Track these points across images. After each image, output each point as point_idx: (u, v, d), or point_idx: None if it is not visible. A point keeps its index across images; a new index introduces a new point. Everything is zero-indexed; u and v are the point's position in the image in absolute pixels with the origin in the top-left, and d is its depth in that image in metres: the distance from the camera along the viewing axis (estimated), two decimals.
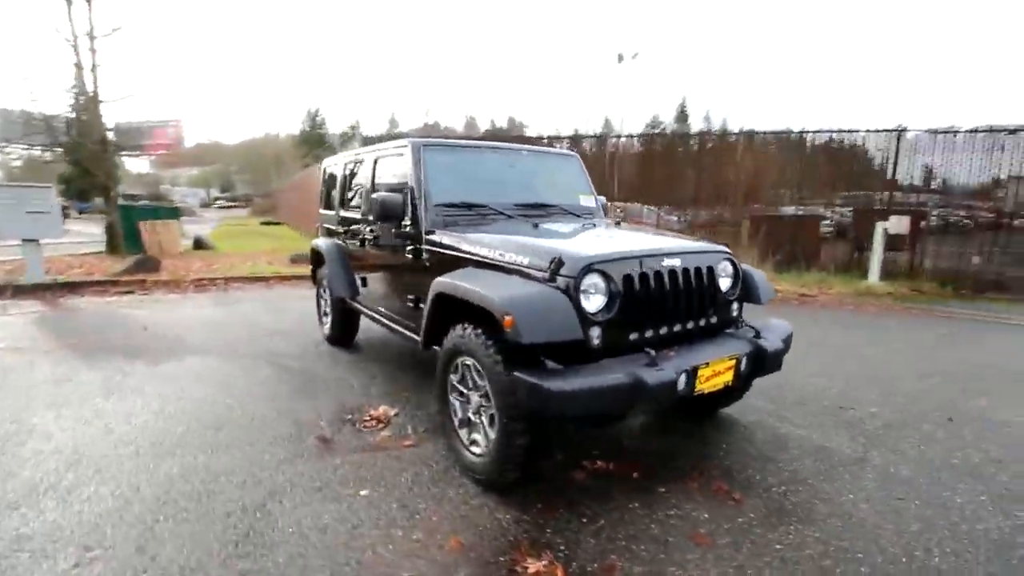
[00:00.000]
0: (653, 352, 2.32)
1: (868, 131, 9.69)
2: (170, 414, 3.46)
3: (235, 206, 53.68)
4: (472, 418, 2.65)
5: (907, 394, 3.94)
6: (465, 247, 2.90)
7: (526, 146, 4.15)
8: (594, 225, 3.44)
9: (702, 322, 2.74)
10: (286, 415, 3.42)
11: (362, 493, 2.52)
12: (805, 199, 11.26)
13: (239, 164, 67.61)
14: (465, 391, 2.68)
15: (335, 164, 5.02)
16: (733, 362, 2.53)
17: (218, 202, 59.75)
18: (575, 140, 13.69)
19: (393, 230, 3.46)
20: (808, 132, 10.46)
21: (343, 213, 4.59)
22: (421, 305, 3.27)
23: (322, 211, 5.35)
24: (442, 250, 3.07)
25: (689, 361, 2.39)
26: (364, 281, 4.23)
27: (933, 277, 8.90)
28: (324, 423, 3.31)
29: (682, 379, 2.29)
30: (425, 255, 3.17)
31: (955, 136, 9.19)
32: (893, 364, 4.75)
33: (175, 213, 16.69)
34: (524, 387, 2.15)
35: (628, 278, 2.44)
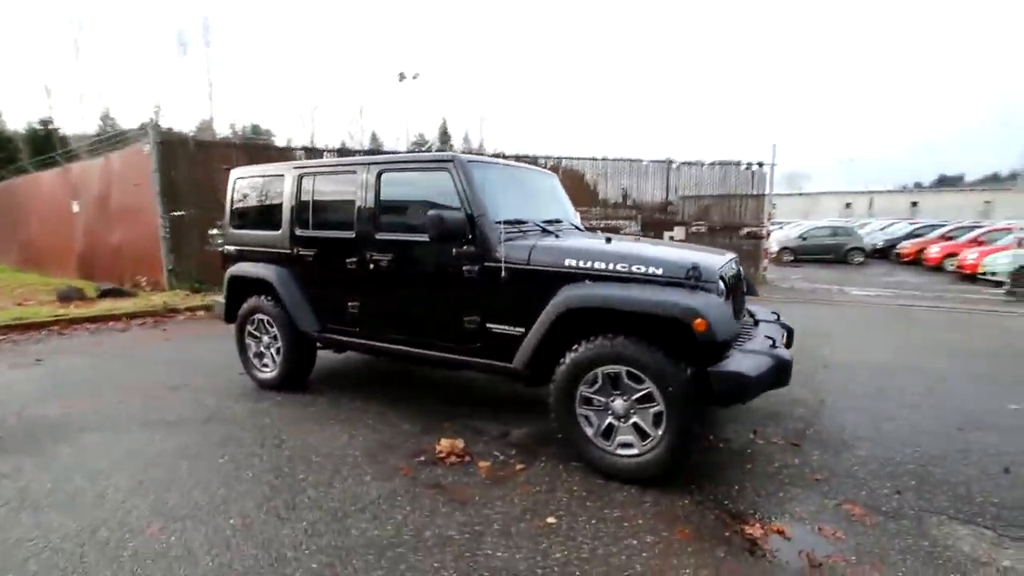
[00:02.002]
0: (773, 339, 2.87)
1: (583, 158, 11.74)
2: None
3: None
4: (616, 423, 2.78)
5: None
6: (569, 262, 2.96)
7: (524, 164, 4.26)
8: (636, 237, 3.81)
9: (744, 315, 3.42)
10: (359, 471, 2.89)
11: (550, 521, 2.42)
12: None
13: None
14: (603, 400, 2.79)
15: (271, 177, 4.24)
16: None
17: None
18: (342, 153, 12.10)
19: (455, 250, 3.23)
20: (543, 157, 11.54)
21: (308, 233, 3.93)
22: (489, 326, 3.19)
23: (239, 231, 4.43)
24: (530, 267, 3.06)
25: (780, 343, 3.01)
26: (357, 309, 3.72)
27: None
28: (414, 469, 2.92)
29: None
30: (505, 273, 3.08)
31: (642, 164, 12.10)
32: None
33: None
34: (725, 378, 2.45)
35: (724, 280, 2.94)
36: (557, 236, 3.40)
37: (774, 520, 2.42)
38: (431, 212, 3.11)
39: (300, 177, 3.99)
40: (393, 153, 11.27)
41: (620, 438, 2.77)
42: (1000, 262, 11.53)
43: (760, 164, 11.82)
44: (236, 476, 2.84)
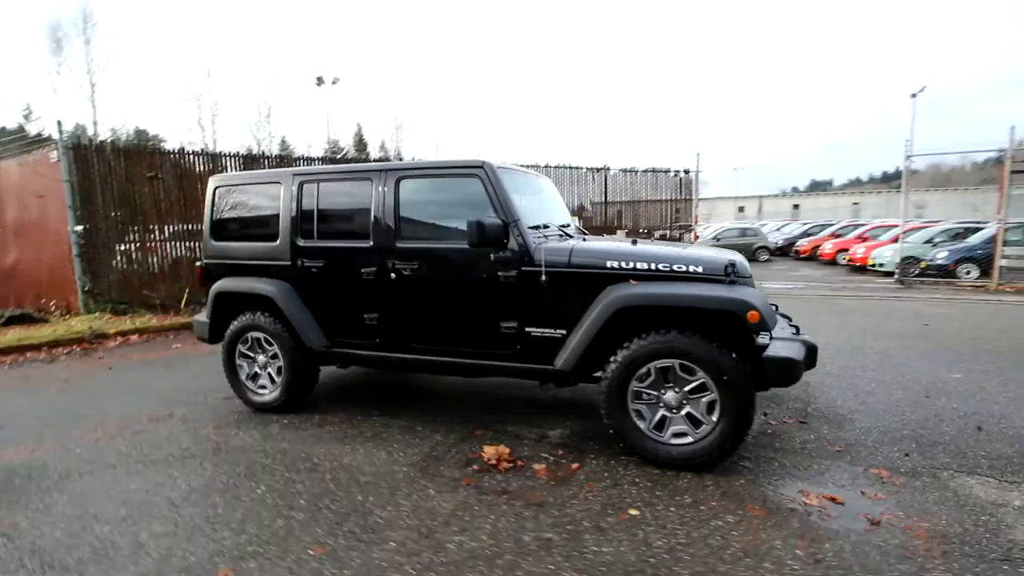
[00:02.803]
0: (796, 326, 3.16)
1: (527, 166, 12.30)
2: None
3: None
4: (668, 415, 2.93)
5: None
6: (612, 264, 3.08)
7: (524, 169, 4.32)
8: (633, 240, 3.98)
9: None
10: (419, 486, 2.80)
11: (633, 513, 2.51)
12: None
13: None
14: (654, 393, 2.93)
15: (263, 184, 3.98)
16: None
17: None
18: (251, 159, 10.62)
19: (492, 256, 3.22)
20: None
21: (314, 243, 3.73)
22: (528, 329, 3.24)
23: (222, 243, 4.11)
24: (571, 269, 3.14)
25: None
26: (376, 321, 3.58)
27: None
28: (474, 479, 2.88)
29: None
30: (545, 277, 3.13)
31: (581, 171, 12.75)
32: None
33: None
34: (779, 364, 2.69)
35: None
36: (585, 238, 3.51)
37: (824, 489, 2.69)
38: (470, 219, 3.11)
39: (301, 185, 3.78)
40: (372, 157, 10.74)
41: (673, 428, 2.93)
42: (886, 255, 13.28)
43: (687, 171, 12.74)
44: (287, 505, 2.64)
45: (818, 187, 68.89)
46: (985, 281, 10.64)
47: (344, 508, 2.60)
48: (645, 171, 12.95)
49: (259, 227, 4.01)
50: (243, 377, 4.04)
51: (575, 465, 3.02)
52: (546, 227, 3.53)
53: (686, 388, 2.87)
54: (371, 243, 3.55)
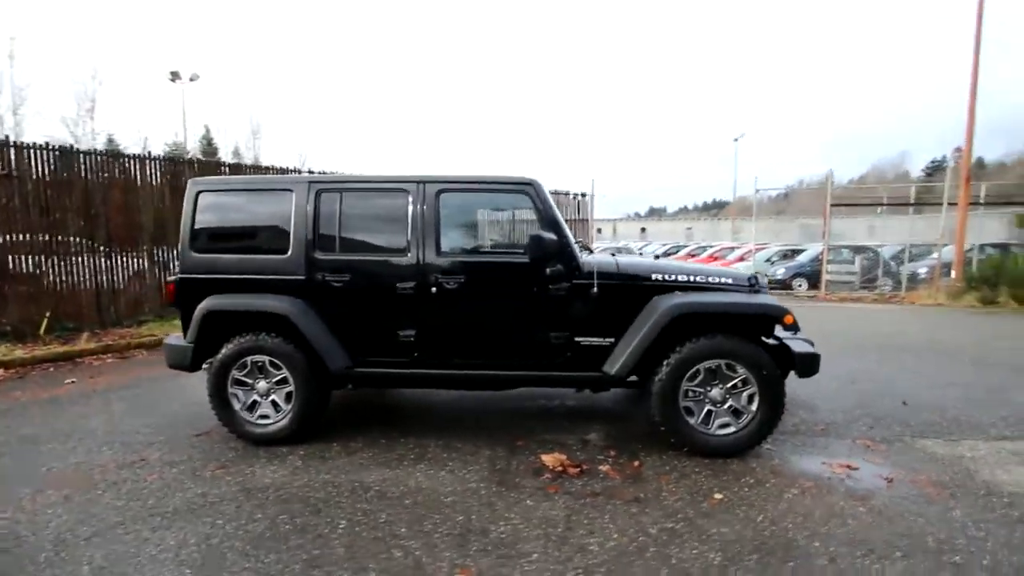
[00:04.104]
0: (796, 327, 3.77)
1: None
2: None
3: None
4: (714, 409, 3.30)
5: None
6: (656, 276, 3.41)
7: None
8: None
9: None
10: (510, 499, 2.78)
11: (718, 497, 2.81)
12: None
13: None
14: (700, 390, 3.29)
15: (267, 192, 3.61)
16: None
17: None
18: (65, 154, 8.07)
19: (548, 270, 3.31)
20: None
21: (336, 257, 3.47)
22: (578, 339, 3.43)
23: (209, 256, 3.62)
24: (619, 282, 3.39)
25: None
26: (413, 337, 3.44)
27: None
28: (558, 486, 2.94)
29: None
30: (597, 289, 3.34)
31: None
32: None
33: None
34: (807, 359, 3.21)
35: None
36: (614, 253, 3.80)
37: (838, 459, 3.26)
38: (531, 234, 3.22)
39: (319, 193, 3.51)
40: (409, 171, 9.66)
41: (719, 420, 3.31)
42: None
43: (583, 194, 13.80)
44: (389, 534, 2.46)
45: (655, 212, 78.34)
46: (815, 292, 13.18)
47: (454, 529, 2.51)
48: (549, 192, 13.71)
49: (260, 238, 3.61)
50: (237, 408, 3.55)
51: (636, 463, 3.25)
52: (577, 241, 3.74)
53: (729, 384, 3.28)
54: (408, 256, 3.43)
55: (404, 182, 3.50)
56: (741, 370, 3.23)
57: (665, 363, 3.26)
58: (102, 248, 7.66)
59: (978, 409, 4.18)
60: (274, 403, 3.56)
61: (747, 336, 3.29)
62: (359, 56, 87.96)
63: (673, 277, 3.43)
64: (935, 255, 13.67)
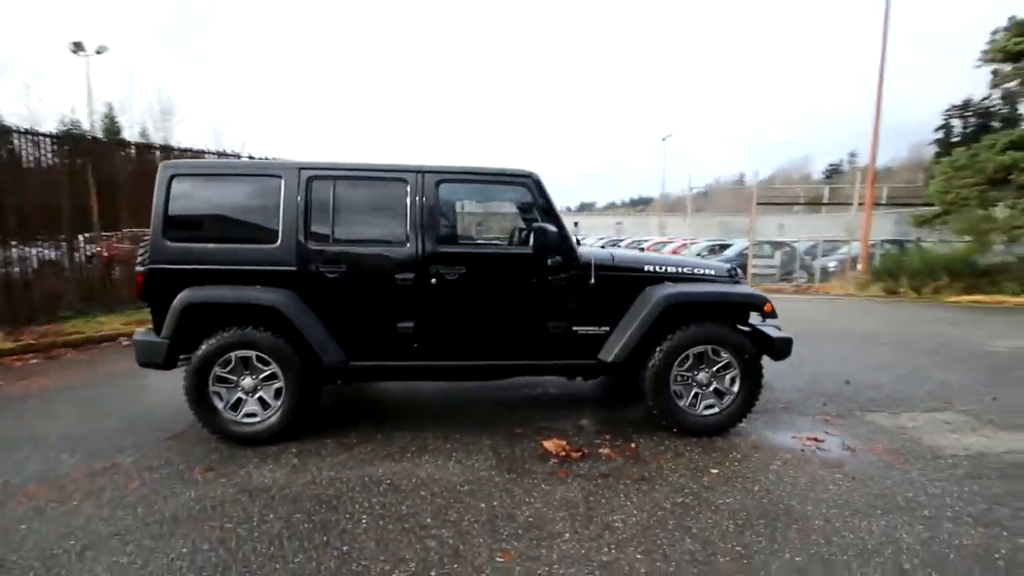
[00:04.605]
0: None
1: None
2: None
3: None
4: (700, 391, 3.53)
5: None
6: (648, 267, 3.59)
7: None
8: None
9: None
10: (527, 484, 2.85)
11: (715, 471, 3.03)
12: None
13: None
14: (688, 374, 3.52)
15: (250, 177, 3.41)
16: None
17: None
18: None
19: (549, 260, 3.38)
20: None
21: (329, 247, 3.34)
22: (576, 328, 3.55)
23: (185, 245, 3.38)
24: (615, 273, 3.53)
25: None
26: (412, 329, 3.40)
27: None
28: (568, 470, 3.04)
29: None
30: (595, 280, 3.46)
31: None
32: None
33: None
34: (784, 343, 3.51)
35: None
36: (610, 245, 3.93)
37: (805, 433, 3.60)
38: (535, 225, 3.30)
39: (310, 180, 3.37)
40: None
41: (705, 402, 3.55)
42: None
43: None
44: (417, 526, 2.46)
45: (585, 207, 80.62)
46: None
47: (480, 516, 2.55)
48: None
49: (244, 227, 3.41)
50: (220, 407, 3.35)
51: (633, 445, 3.42)
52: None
53: (714, 368, 3.53)
54: (407, 247, 3.38)
55: (403, 171, 3.44)
56: (725, 355, 3.49)
57: (658, 349, 3.45)
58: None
59: (906, 386, 4.75)
60: (261, 400, 3.39)
61: (728, 323, 3.56)
62: (290, 36, 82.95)
63: (663, 268, 3.62)
64: (843, 250, 15.17)
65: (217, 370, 3.33)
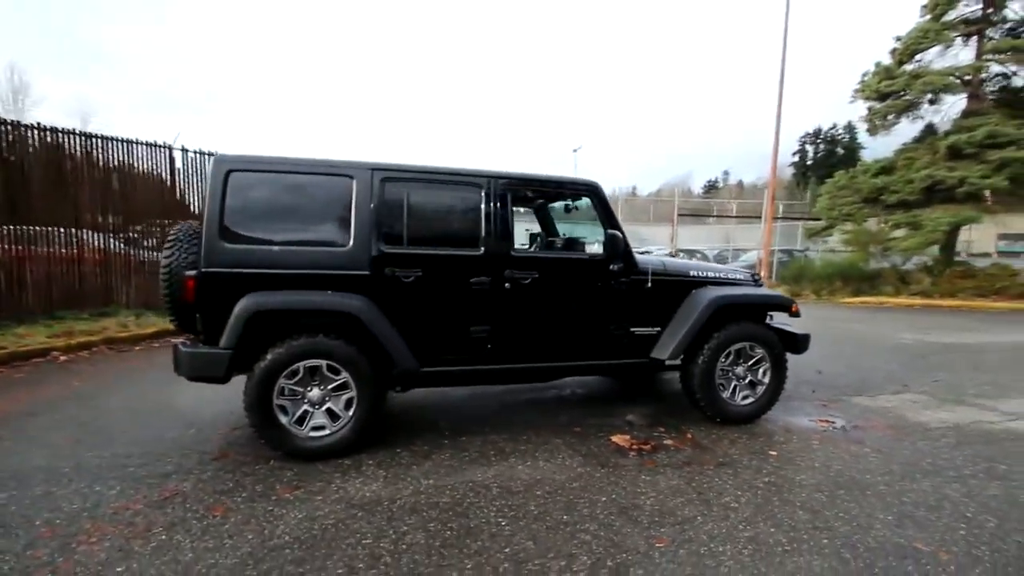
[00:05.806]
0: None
1: None
2: None
3: None
4: (738, 384, 3.92)
5: None
6: (693, 273, 3.93)
7: None
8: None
9: None
10: (629, 478, 3.00)
11: (773, 453, 3.40)
12: None
13: None
14: (730, 369, 3.89)
15: (318, 177, 3.23)
16: None
17: None
18: None
19: (613, 266, 3.56)
20: None
21: (403, 250, 3.25)
22: (633, 329, 3.80)
23: (246, 247, 3.12)
24: (666, 277, 3.82)
25: None
26: (486, 333, 3.40)
27: None
28: (654, 462, 3.24)
29: None
30: (651, 284, 3.72)
31: None
32: None
33: None
34: (805, 339, 4.01)
35: None
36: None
37: (818, 415, 4.15)
38: (608, 232, 3.49)
39: (384, 182, 3.26)
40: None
41: (742, 392, 3.95)
42: None
43: None
44: (556, 523, 2.52)
45: None
46: None
47: (609, 508, 2.67)
48: None
49: (312, 228, 3.22)
50: (285, 421, 3.11)
51: (689, 435, 3.71)
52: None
53: (751, 362, 3.94)
54: (482, 251, 3.40)
55: (476, 176, 3.45)
56: (759, 350, 3.92)
57: (706, 347, 3.79)
58: None
59: (864, 374, 5.58)
60: (330, 412, 3.20)
61: (757, 321, 4.00)
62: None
63: (705, 274, 3.99)
64: (743, 258, 17.06)
65: (283, 382, 3.10)
